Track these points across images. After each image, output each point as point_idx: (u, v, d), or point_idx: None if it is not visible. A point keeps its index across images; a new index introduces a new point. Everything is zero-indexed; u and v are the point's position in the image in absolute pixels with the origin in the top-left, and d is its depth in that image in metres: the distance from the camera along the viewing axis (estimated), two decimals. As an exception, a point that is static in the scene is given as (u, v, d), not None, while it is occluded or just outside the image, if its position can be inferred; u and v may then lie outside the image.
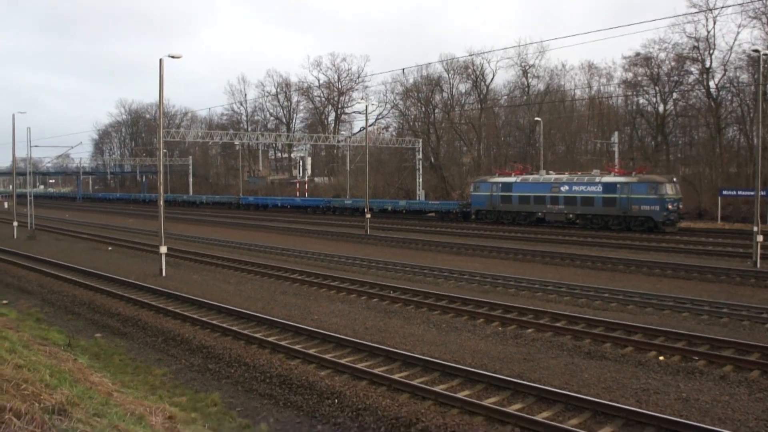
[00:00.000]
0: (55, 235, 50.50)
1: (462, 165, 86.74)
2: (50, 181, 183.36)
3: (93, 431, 7.27)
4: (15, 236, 48.10)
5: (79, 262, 32.69)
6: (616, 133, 70.10)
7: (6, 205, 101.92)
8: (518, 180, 53.43)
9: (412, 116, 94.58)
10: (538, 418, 11.14)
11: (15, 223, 49.99)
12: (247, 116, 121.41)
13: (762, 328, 17.75)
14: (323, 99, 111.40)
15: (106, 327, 19.96)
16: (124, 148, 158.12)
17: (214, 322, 18.83)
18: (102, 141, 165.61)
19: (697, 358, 14.73)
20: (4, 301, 23.82)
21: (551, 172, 54.76)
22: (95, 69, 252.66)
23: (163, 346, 17.45)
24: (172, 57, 29.29)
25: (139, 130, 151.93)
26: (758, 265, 28.67)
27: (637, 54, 70.24)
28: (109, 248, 40.40)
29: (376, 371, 13.81)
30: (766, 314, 18.87)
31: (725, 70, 63.77)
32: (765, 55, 31.92)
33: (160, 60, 28.89)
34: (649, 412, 11.17)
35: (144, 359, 16.37)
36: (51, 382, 9.77)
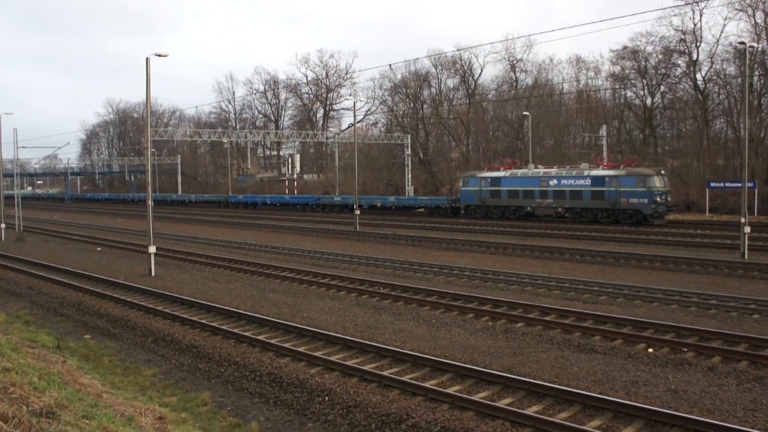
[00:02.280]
0: (44, 237, 50.26)
1: (451, 160, 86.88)
2: (38, 182, 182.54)
3: (81, 433, 7.25)
4: (3, 238, 47.86)
5: (67, 263, 32.56)
6: (604, 127, 70.34)
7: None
8: (507, 174, 53.55)
9: (401, 112, 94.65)
10: (528, 412, 11.17)
11: (2, 225, 49.68)
12: (235, 114, 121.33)
13: (750, 319, 17.86)
14: (311, 96, 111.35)
15: (96, 328, 19.89)
16: (112, 148, 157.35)
17: (203, 321, 18.79)
18: (90, 141, 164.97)
19: (685, 349, 14.81)
20: (-7, 304, 23.71)
21: (540, 166, 54.86)
22: (82, 67, 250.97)
23: (152, 347, 17.41)
24: (159, 56, 29.14)
25: (127, 129, 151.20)
26: (746, 257, 28.84)
27: (625, 47, 70.52)
28: (98, 249, 40.24)
29: (366, 368, 13.82)
30: (753, 305, 18.98)
31: (712, 63, 64.02)
32: (751, 47, 32.11)
33: (147, 59, 28.78)
34: (638, 404, 11.23)
35: (134, 360, 16.33)
36: (39, 385, 9.74)
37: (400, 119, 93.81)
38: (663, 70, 68.70)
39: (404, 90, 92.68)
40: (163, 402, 12.43)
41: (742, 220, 29.70)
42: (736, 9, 59.56)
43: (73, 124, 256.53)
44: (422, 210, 64.30)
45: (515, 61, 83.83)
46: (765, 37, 58.90)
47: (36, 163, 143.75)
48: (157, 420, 10.03)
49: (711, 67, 64.20)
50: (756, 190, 49.42)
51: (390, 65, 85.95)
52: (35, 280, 28.13)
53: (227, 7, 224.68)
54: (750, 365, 13.72)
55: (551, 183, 49.67)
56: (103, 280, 26.93)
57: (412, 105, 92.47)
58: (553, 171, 50.73)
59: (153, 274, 28.29)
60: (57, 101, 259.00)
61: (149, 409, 10.48)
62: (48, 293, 25.02)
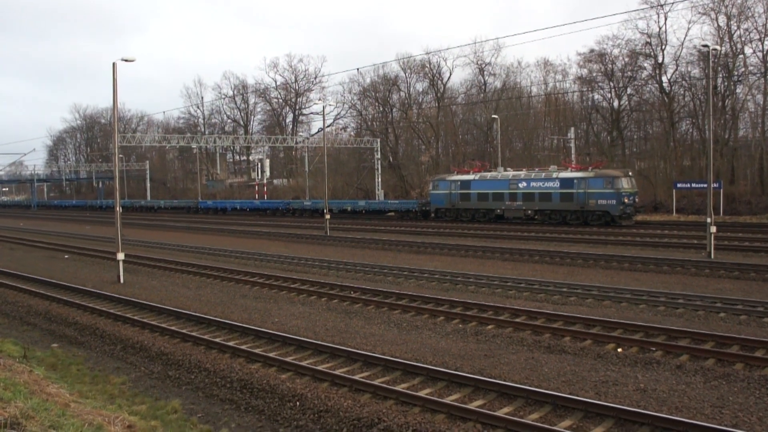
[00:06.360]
0: (9, 245, 49.50)
1: (420, 164, 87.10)
2: (3, 189, 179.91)
3: (48, 443, 7.15)
4: (-33, 247, 47.11)
5: (34, 271, 32.10)
6: (573, 129, 70.91)
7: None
8: (476, 177, 53.75)
9: (370, 116, 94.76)
10: (499, 413, 11.20)
11: (-33, 234, 48.97)
12: (204, 119, 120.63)
13: (716, 317, 18.10)
14: (281, 100, 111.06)
15: (63, 337, 19.62)
16: (79, 154, 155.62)
17: (173, 328, 18.61)
18: (56, 147, 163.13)
19: (654, 348, 14.97)
20: (-43, 314, 23.28)
21: (509, 168, 55.20)
22: (44, 71, 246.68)
23: (121, 354, 17.22)
24: (126, 60, 28.83)
25: (94, 135, 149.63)
26: (712, 256, 29.22)
27: (592, 50, 71.20)
28: (66, 256, 39.73)
29: (337, 372, 13.79)
30: (719, 304, 19.25)
31: (677, 65, 64.95)
32: (714, 50, 32.52)
33: (114, 64, 28.47)
34: (608, 404, 11.32)
35: (102, 368, 16.12)
36: (5, 395, 9.60)
37: (369, 123, 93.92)
38: (629, 73, 69.47)
39: (373, 94, 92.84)
40: (132, 410, 12.29)
41: (708, 220, 30.09)
42: (699, 12, 60.67)
43: (39, 130, 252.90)
44: (392, 214, 64.40)
45: (484, 65, 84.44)
46: (728, 40, 59.84)
47: (1, 170, 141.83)
48: (127, 428, 9.94)
49: (676, 69, 65.22)
50: (721, 191, 50.31)
51: (358, 69, 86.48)
52: (0, 288, 27.68)
53: (193, 9, 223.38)
54: (717, 363, 13.91)
55: (520, 185, 49.98)
56: (70, 288, 26.59)
57: (381, 109, 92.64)
58: (522, 173, 51.06)
59: (122, 281, 28.00)
60: (19, 107, 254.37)
61: (118, 418, 10.36)
62: (14, 302, 24.63)
